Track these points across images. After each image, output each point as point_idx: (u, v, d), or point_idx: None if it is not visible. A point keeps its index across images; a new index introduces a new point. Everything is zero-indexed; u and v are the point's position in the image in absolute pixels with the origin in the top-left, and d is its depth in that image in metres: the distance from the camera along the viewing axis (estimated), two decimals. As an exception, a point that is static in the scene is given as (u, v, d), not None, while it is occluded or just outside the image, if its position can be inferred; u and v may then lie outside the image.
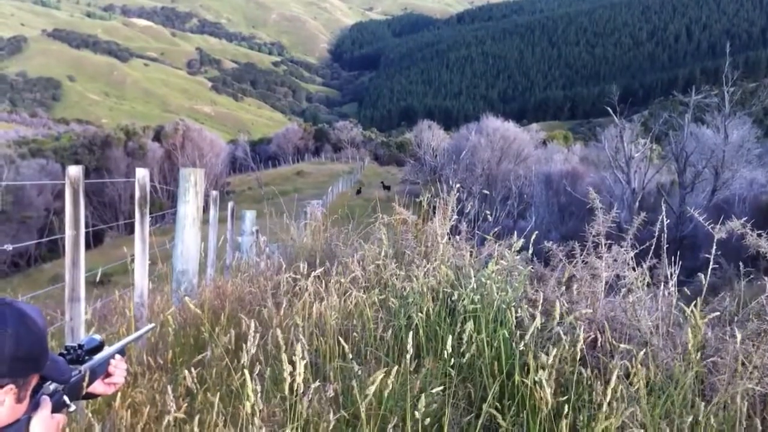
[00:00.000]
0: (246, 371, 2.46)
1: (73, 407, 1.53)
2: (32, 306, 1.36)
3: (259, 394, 2.47)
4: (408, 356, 2.77)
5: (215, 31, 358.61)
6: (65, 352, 1.59)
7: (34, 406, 1.40)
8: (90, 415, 2.84)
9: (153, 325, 2.33)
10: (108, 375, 1.73)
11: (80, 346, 1.62)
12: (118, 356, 1.76)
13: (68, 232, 3.77)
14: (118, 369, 1.75)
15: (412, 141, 55.47)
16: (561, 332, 3.13)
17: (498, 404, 3.09)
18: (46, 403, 1.42)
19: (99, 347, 1.67)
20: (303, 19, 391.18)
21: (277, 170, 66.26)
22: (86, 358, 1.63)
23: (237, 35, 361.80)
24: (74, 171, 3.77)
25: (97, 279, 4.37)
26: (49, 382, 1.47)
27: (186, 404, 2.75)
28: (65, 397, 1.50)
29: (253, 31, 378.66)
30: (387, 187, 39.75)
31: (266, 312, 3.79)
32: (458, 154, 38.18)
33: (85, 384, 1.63)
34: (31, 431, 1.36)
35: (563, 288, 3.81)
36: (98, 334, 2.09)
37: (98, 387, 1.72)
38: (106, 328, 4.63)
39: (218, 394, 2.79)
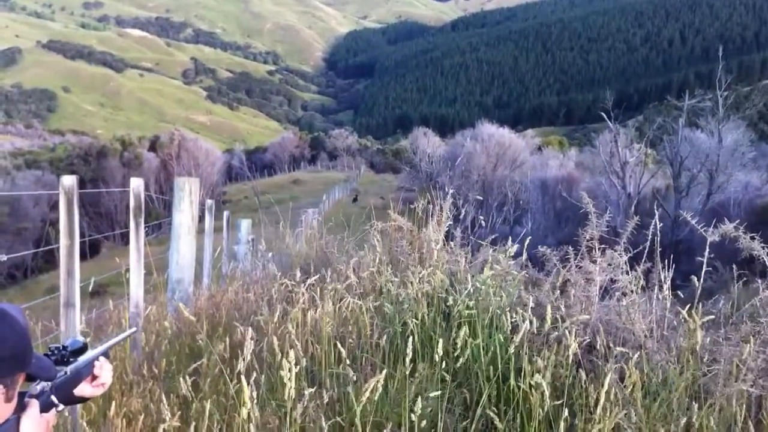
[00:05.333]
0: (242, 378, 2.46)
1: (61, 407, 1.54)
2: (12, 305, 1.37)
3: (255, 401, 2.47)
4: (402, 360, 2.77)
5: (210, 41, 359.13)
6: (49, 352, 1.59)
7: (22, 407, 1.41)
8: (85, 425, 2.84)
9: (135, 329, 2.34)
10: (94, 377, 1.73)
11: (64, 347, 1.62)
12: (102, 358, 1.75)
13: (63, 241, 3.77)
14: (104, 370, 1.74)
15: (408, 148, 55.52)
16: (555, 336, 3.14)
17: (494, 408, 3.09)
18: (34, 403, 1.44)
19: (83, 349, 1.67)
20: (297, 28, 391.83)
21: (273, 179, 66.31)
22: (71, 359, 1.63)
23: (232, 45, 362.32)
24: (68, 181, 3.78)
25: (91, 288, 4.35)
26: (37, 382, 1.48)
27: (181, 412, 2.75)
28: (53, 397, 1.51)
29: (248, 40, 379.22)
30: (381, 198, 40.01)
31: (261, 319, 3.79)
32: (454, 161, 38.25)
33: (73, 384, 1.63)
34: (21, 430, 1.36)
35: (558, 292, 3.81)
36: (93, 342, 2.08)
37: (87, 389, 1.71)
38: (102, 339, 4.61)
39: (213, 401, 2.79)
